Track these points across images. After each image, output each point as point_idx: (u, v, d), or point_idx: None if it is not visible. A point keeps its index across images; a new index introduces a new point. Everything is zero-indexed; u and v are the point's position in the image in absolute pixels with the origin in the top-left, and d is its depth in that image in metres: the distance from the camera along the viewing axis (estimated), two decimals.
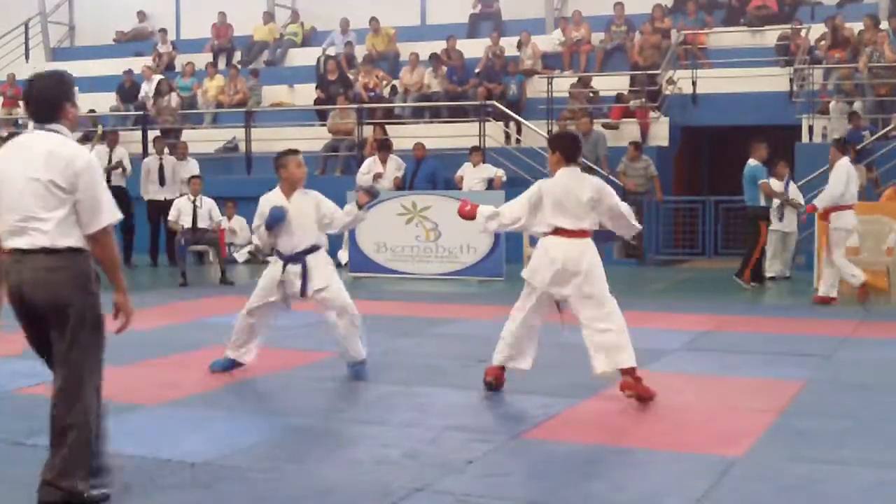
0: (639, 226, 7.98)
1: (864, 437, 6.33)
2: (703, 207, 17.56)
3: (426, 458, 5.94)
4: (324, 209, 8.35)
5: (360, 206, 8.38)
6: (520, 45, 21.50)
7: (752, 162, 14.17)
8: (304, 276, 8.19)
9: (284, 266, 8.28)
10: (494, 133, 18.77)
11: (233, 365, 8.41)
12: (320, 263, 8.31)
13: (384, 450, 6.13)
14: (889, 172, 16.06)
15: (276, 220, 8.17)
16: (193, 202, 15.55)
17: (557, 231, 7.38)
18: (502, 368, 7.74)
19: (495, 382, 7.73)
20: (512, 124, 19.24)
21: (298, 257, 8.24)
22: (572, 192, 7.36)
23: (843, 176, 12.56)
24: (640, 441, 6.36)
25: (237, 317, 8.44)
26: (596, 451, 6.11)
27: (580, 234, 7.38)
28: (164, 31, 26.29)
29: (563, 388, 7.83)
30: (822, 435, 6.39)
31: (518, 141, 19.14)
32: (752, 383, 8.04)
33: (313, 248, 8.29)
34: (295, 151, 8.58)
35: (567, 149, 7.57)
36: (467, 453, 5.96)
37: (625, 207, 7.66)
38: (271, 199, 8.37)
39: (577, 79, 20.21)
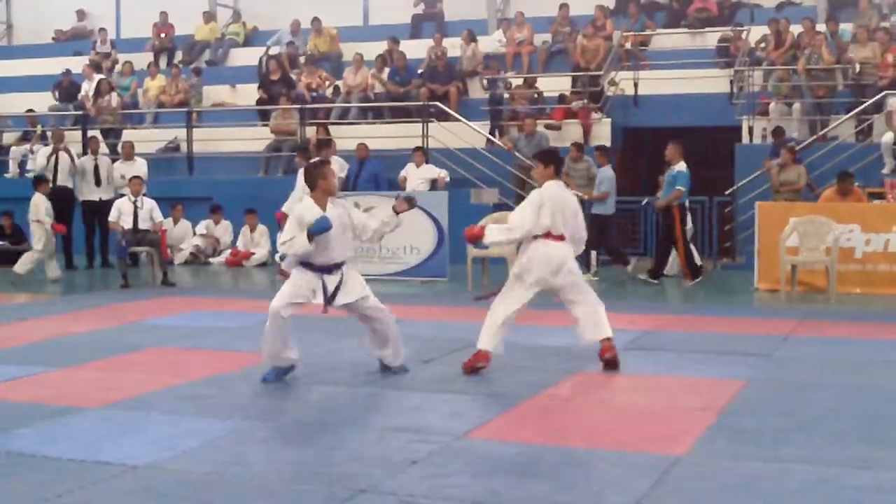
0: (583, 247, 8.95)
1: (805, 435, 6.39)
2: (644, 208, 17.67)
3: (370, 458, 5.92)
4: (355, 219, 8.27)
5: (397, 213, 8.39)
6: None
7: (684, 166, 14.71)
8: (338, 286, 8.08)
9: (321, 276, 8.07)
10: (437, 133, 18.76)
11: (285, 372, 8.21)
12: (354, 274, 8.26)
13: (328, 451, 6.10)
14: (827, 174, 16.25)
15: (323, 230, 7.89)
16: (134, 202, 15.39)
17: (548, 235, 8.33)
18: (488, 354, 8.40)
19: (485, 367, 8.37)
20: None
21: (334, 269, 8.11)
22: (567, 202, 8.51)
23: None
24: (584, 441, 6.38)
25: (269, 323, 8.07)
26: (539, 451, 6.12)
27: (563, 238, 8.42)
28: (103, 30, 26.04)
29: (507, 387, 7.85)
30: (762, 433, 6.44)
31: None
32: (694, 382, 8.10)
33: (345, 260, 8.22)
34: (327, 161, 8.59)
35: (558, 164, 8.73)
36: (411, 454, 5.95)
37: (583, 230, 8.73)
38: (307, 209, 8.06)
39: (522, 80, 20.27)
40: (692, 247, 15.36)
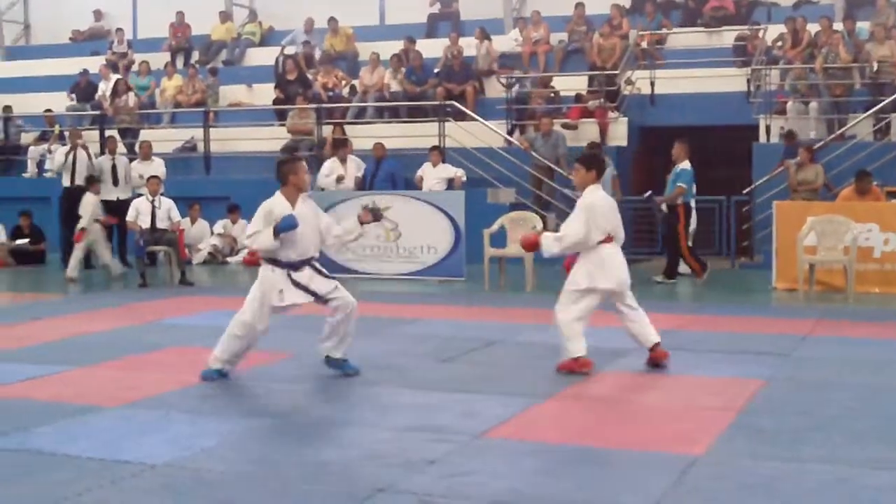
0: None
1: (824, 435, 6.37)
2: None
3: (388, 458, 5.92)
4: (322, 221, 8.28)
5: (361, 223, 8.41)
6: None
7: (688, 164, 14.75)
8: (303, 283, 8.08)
9: (287, 274, 8.06)
10: (453, 133, 18.75)
11: (222, 376, 8.18)
12: (321, 270, 8.24)
13: (346, 450, 6.11)
14: (844, 173, 16.20)
15: (289, 229, 7.91)
16: (152, 202, 15.43)
17: (607, 239, 8.40)
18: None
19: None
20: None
21: (300, 265, 8.10)
22: (612, 206, 8.58)
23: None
24: (602, 440, 6.37)
25: (231, 330, 8.12)
26: (557, 451, 6.12)
27: (612, 240, 8.49)
28: (120, 30, 26.11)
29: (525, 387, 7.85)
30: (781, 433, 6.43)
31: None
32: (712, 382, 8.08)
33: (313, 257, 8.21)
34: (299, 157, 8.55)
35: (600, 168, 8.70)
36: (429, 453, 5.96)
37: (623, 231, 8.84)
38: (276, 204, 8.09)
39: (526, 80, 20.26)
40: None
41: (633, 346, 9.26)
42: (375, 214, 8.51)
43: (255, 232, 8.04)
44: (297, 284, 8.05)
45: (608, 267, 8.36)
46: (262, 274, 8.13)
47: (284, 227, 7.89)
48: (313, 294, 8.09)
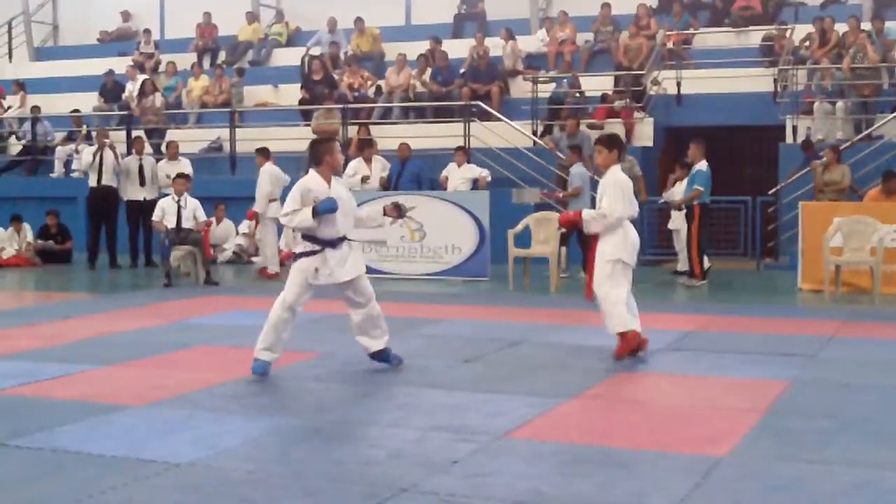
0: None
1: (849, 437, 6.34)
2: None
3: (411, 458, 5.92)
4: (349, 203, 8.36)
5: (385, 215, 8.61)
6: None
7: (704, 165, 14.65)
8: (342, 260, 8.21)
9: (322, 250, 8.18)
10: (478, 133, 18.74)
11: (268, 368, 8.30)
12: (356, 251, 8.38)
13: (369, 450, 6.12)
14: (872, 173, 16.10)
15: (329, 211, 8.03)
16: (178, 202, 15.48)
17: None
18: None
19: (640, 344, 8.92)
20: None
21: (338, 242, 8.20)
22: (631, 185, 9.00)
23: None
24: (625, 441, 6.35)
25: (273, 315, 8.26)
26: (581, 451, 6.11)
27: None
28: (148, 31, 26.22)
29: (549, 387, 7.83)
30: (806, 434, 6.40)
31: None
32: (737, 383, 8.05)
33: (347, 235, 8.32)
34: (334, 138, 8.77)
35: (622, 148, 9.16)
36: (452, 453, 5.95)
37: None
38: (313, 183, 8.18)
39: (563, 79, 20.23)
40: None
41: (656, 348, 9.27)
42: (400, 211, 8.67)
43: (292, 210, 8.12)
44: (332, 261, 8.15)
45: (633, 242, 8.88)
46: (297, 262, 8.30)
47: (325, 209, 8.02)
48: (345, 273, 8.20)
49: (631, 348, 8.79)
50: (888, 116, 17.52)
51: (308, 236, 8.22)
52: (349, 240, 8.31)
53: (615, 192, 8.74)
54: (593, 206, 9.37)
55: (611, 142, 9.06)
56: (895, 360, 8.99)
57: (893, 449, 6.08)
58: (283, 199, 10.92)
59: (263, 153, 16.76)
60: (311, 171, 8.31)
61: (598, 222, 8.80)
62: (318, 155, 8.28)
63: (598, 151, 9.05)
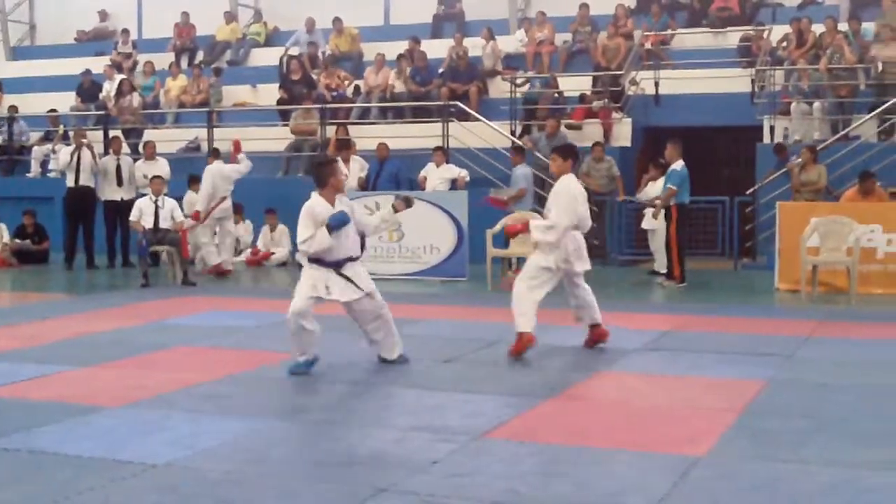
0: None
1: (826, 436, 6.37)
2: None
3: (391, 458, 5.93)
4: (356, 215, 8.42)
5: (396, 212, 8.70)
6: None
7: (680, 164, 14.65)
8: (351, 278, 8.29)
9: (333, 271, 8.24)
10: (457, 133, 18.74)
11: (312, 363, 8.37)
12: (363, 269, 8.44)
13: (349, 450, 6.11)
14: (848, 173, 16.18)
15: (342, 224, 8.10)
16: (155, 202, 15.44)
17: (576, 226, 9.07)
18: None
19: (600, 336, 9.39)
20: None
21: (345, 262, 8.26)
22: (584, 194, 9.27)
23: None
24: (603, 441, 6.37)
25: (291, 326, 8.23)
26: (559, 451, 6.12)
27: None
28: (125, 30, 26.12)
29: (527, 388, 7.84)
30: (784, 434, 6.42)
31: None
32: (714, 383, 8.07)
33: (355, 255, 8.38)
34: (336, 159, 8.94)
35: (576, 158, 9.64)
36: (432, 453, 5.96)
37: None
38: (318, 205, 8.22)
39: (537, 80, 20.25)
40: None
41: (633, 347, 9.30)
42: (408, 202, 8.83)
43: (308, 237, 8.12)
44: (342, 276, 8.22)
45: (575, 249, 9.06)
46: (306, 271, 8.30)
47: (338, 223, 8.09)
48: (357, 287, 8.28)
49: (524, 349, 8.91)
50: (865, 117, 17.59)
51: (315, 260, 8.24)
52: (353, 259, 8.35)
53: (567, 203, 8.99)
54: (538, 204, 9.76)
55: (566, 152, 9.42)
56: (871, 359, 9.04)
57: (870, 448, 6.10)
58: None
59: (214, 153, 17.11)
60: (314, 194, 8.33)
61: (545, 234, 8.98)
62: (323, 177, 8.30)
63: (552, 160, 9.46)
